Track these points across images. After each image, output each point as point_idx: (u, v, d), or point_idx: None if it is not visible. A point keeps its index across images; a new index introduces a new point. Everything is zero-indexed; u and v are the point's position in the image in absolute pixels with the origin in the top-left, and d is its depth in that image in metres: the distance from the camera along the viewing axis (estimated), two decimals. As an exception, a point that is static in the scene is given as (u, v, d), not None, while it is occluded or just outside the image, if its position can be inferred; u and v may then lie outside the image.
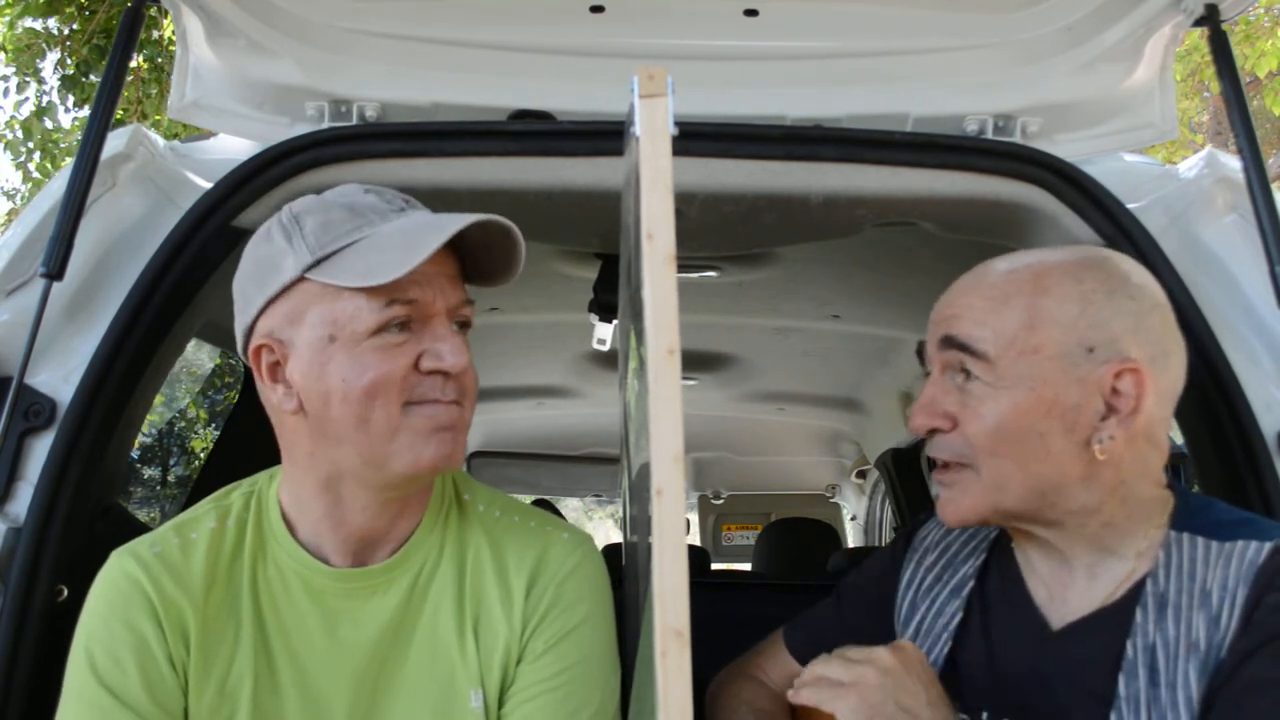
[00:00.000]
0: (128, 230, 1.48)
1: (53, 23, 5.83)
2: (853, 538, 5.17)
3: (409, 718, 1.11)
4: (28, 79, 6.16)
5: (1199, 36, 2.04)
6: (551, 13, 1.59)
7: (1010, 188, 1.53)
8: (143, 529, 1.28)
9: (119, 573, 1.09)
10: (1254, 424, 1.35)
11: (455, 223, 1.01)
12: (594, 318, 2.35)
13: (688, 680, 0.69)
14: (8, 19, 5.84)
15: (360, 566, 1.12)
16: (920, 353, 1.17)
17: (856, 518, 5.10)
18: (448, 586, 1.14)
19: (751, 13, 1.57)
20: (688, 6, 1.58)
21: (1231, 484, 1.37)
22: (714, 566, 4.36)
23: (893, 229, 1.68)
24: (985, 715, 1.11)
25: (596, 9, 1.55)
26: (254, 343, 1.07)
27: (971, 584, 1.20)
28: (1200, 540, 1.04)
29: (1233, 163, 1.48)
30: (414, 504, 1.14)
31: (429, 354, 1.04)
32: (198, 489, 2.28)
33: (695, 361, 3.44)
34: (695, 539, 5.90)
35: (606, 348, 2.57)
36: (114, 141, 1.46)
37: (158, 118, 6.03)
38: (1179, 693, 0.98)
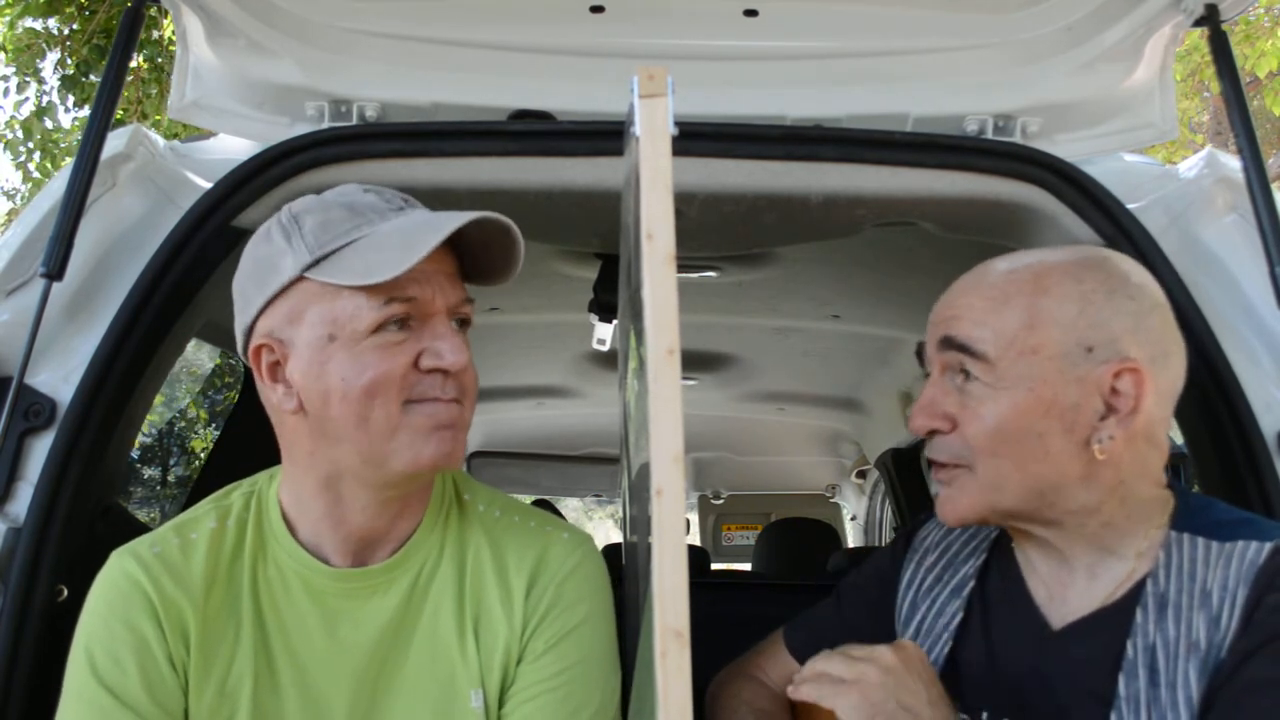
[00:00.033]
0: (128, 230, 1.48)
1: (53, 23, 5.83)
2: (853, 538, 5.17)
3: (409, 718, 1.11)
4: (28, 79, 6.16)
5: (1199, 36, 2.04)
6: (551, 13, 1.59)
7: (1010, 188, 1.53)
8: (143, 529, 1.28)
9: (119, 573, 1.09)
10: (1254, 424, 1.35)
11: (453, 221, 1.01)
12: (594, 318, 2.35)
13: (687, 680, 0.69)
14: (8, 19, 5.84)
15: (360, 566, 1.12)
16: (920, 354, 1.17)
17: (856, 518, 5.10)
18: (448, 586, 1.14)
19: (751, 13, 1.57)
20: (688, 6, 1.58)
21: (1231, 484, 1.37)
22: (714, 566, 4.36)
23: (893, 229, 1.68)
24: (985, 715, 1.11)
25: (596, 9, 1.55)
26: (254, 342, 1.07)
27: (972, 584, 1.20)
28: (1200, 540, 1.04)
29: (1233, 163, 1.48)
30: (414, 504, 1.14)
31: (429, 352, 1.04)
32: (198, 489, 2.28)
33: (695, 361, 3.44)
34: (695, 539, 5.90)
35: (606, 348, 2.57)
36: (114, 141, 1.46)
37: (158, 118, 6.03)
38: (1179, 693, 0.98)
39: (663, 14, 1.59)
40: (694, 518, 5.99)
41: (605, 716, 1.13)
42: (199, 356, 3.71)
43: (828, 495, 5.33)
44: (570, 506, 9.42)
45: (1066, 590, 1.11)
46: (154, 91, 6.01)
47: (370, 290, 1.01)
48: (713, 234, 1.70)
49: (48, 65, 6.13)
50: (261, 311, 1.05)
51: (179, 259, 1.44)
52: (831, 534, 3.78)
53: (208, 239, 1.46)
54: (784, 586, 2.79)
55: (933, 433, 1.10)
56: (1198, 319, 1.40)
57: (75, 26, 5.69)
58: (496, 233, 1.06)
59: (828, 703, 1.01)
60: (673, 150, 0.76)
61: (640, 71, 0.78)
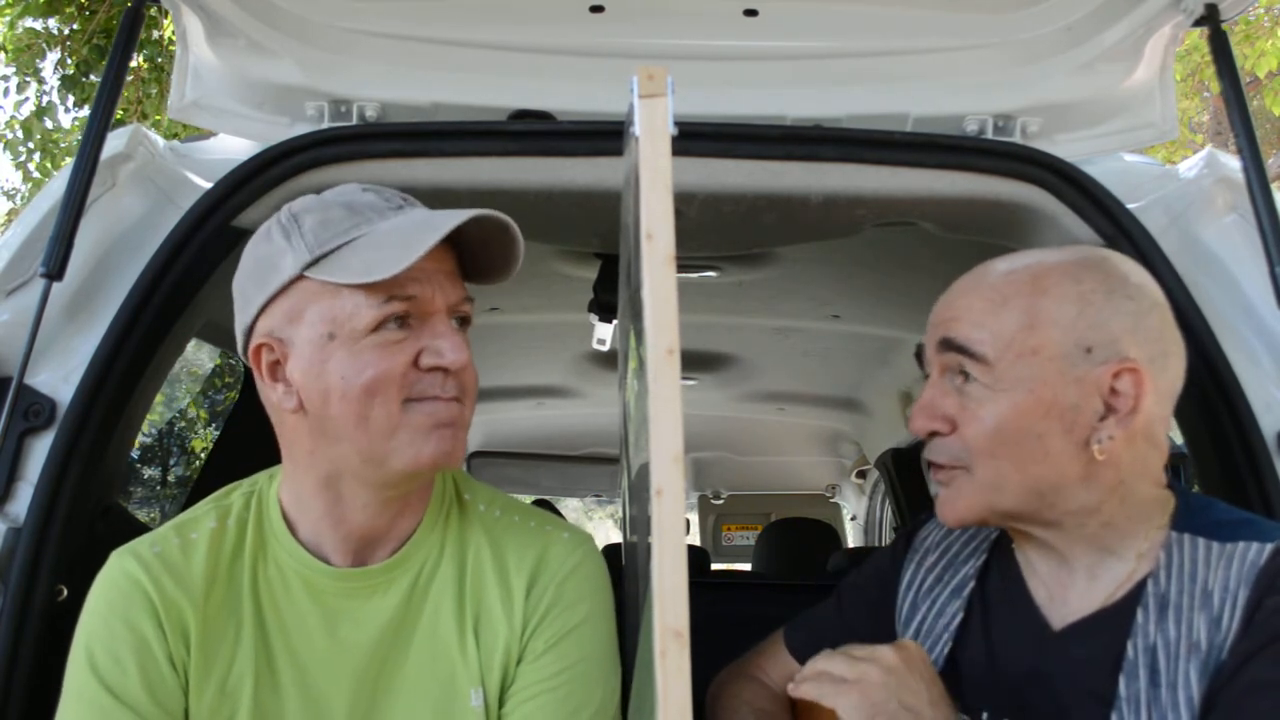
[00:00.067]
0: (128, 230, 1.48)
1: (53, 23, 5.83)
2: (853, 538, 5.17)
3: (409, 717, 1.11)
4: (28, 79, 6.16)
5: (1199, 36, 2.04)
6: (551, 13, 1.59)
7: (1010, 188, 1.53)
8: (143, 529, 1.28)
9: (119, 572, 1.09)
10: (1254, 424, 1.35)
11: (452, 219, 1.01)
12: (594, 318, 2.35)
13: (687, 680, 0.69)
14: (8, 19, 5.84)
15: (360, 566, 1.12)
16: (919, 355, 1.17)
17: (856, 518, 5.10)
18: (448, 586, 1.14)
19: (751, 13, 1.57)
20: (688, 6, 1.58)
21: (1231, 484, 1.37)
22: (714, 566, 4.36)
23: (893, 229, 1.68)
24: (986, 715, 1.11)
25: (596, 9, 1.55)
26: (254, 342, 1.07)
27: (972, 584, 1.20)
28: (1201, 541, 1.04)
29: (1233, 163, 1.48)
30: (414, 503, 1.15)
31: (428, 351, 1.04)
32: (198, 489, 2.28)
33: (695, 361, 3.44)
34: (695, 539, 5.90)
35: (606, 348, 2.58)
36: (114, 141, 1.46)
37: (158, 118, 6.03)
38: (1180, 693, 0.98)
39: (663, 14, 1.59)
40: (694, 518, 5.99)
41: (605, 716, 1.13)
42: (199, 356, 3.72)
43: (828, 495, 5.33)
44: (570, 506, 9.41)
45: (1067, 591, 1.11)
46: (154, 91, 6.01)
47: (370, 289, 1.01)
48: (713, 234, 1.70)
49: (48, 65, 6.14)
50: (261, 311, 1.05)
51: (179, 259, 1.44)
52: (831, 534, 3.78)
53: (208, 239, 1.46)
54: (784, 586, 2.79)
55: (932, 434, 1.10)
56: (1198, 319, 1.40)
57: (75, 26, 5.69)
58: (495, 231, 1.06)
59: (829, 702, 1.01)
60: (673, 150, 0.76)
61: (640, 71, 0.78)
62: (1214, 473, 1.40)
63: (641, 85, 0.78)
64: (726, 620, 1.50)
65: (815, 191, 1.52)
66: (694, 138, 1.46)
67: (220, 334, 2.07)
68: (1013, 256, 1.12)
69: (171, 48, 5.42)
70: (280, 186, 1.48)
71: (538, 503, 4.01)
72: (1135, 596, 1.05)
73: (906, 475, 3.79)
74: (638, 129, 0.77)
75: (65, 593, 1.31)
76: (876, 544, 4.56)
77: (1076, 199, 1.50)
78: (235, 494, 1.17)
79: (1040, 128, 1.60)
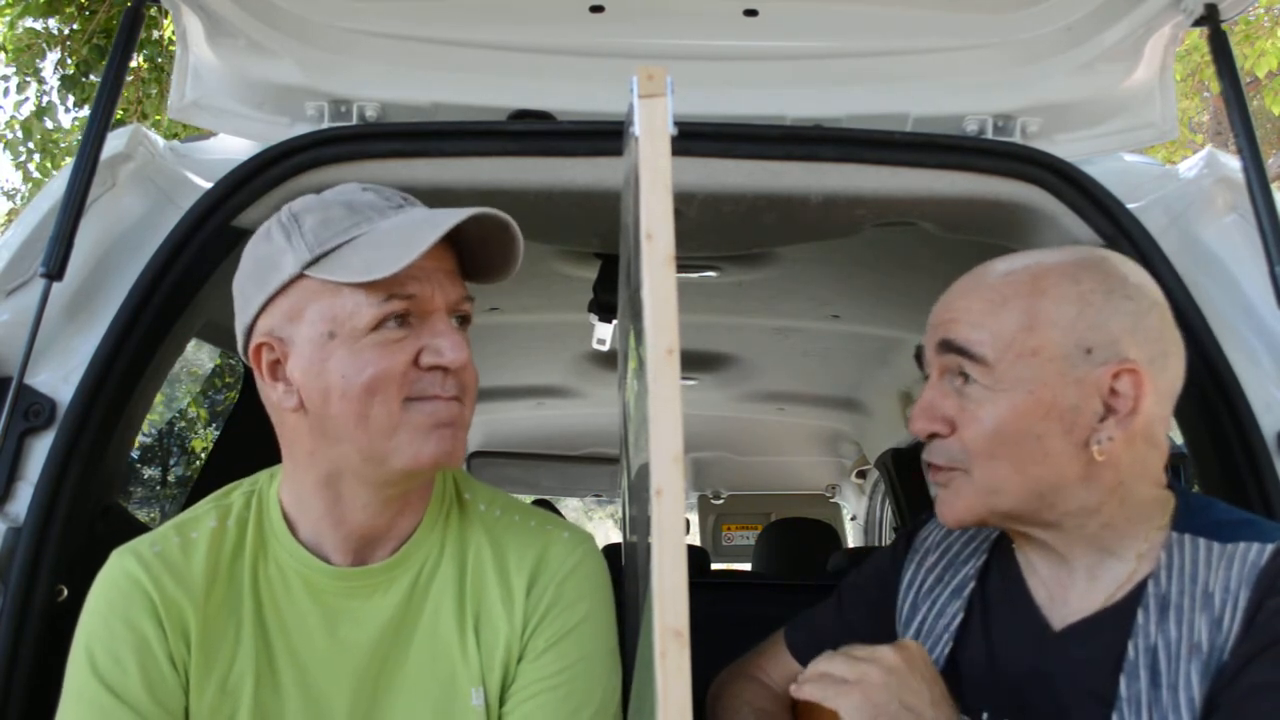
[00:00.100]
0: (128, 230, 1.48)
1: (53, 23, 5.83)
2: (853, 538, 5.17)
3: (410, 716, 1.11)
4: (28, 79, 6.16)
5: (1199, 36, 2.04)
6: (551, 13, 1.59)
7: (1010, 188, 1.53)
8: (143, 529, 1.28)
9: (119, 572, 1.09)
10: (1254, 424, 1.35)
11: (453, 217, 1.02)
12: (594, 318, 2.35)
13: (687, 680, 0.69)
14: (8, 19, 5.84)
15: (361, 565, 1.12)
16: (918, 356, 1.17)
17: (856, 518, 5.09)
18: (448, 585, 1.14)
19: (751, 13, 1.57)
20: (688, 6, 1.58)
21: (1231, 484, 1.37)
22: (714, 566, 4.36)
23: (893, 229, 1.68)
24: (986, 715, 1.11)
25: (596, 9, 1.55)
26: (254, 341, 1.07)
27: (972, 584, 1.20)
28: (1202, 541, 1.04)
29: (1233, 163, 1.48)
30: (414, 502, 1.15)
31: (429, 349, 1.04)
32: (198, 489, 2.28)
33: (695, 361, 3.44)
34: (695, 539, 5.90)
35: (606, 348, 2.57)
36: (114, 141, 1.46)
37: (158, 118, 6.03)
38: (1180, 694, 0.98)
39: (663, 14, 1.59)
40: (694, 518, 5.99)
41: (606, 715, 1.13)
42: (199, 356, 3.72)
43: (828, 495, 5.33)
44: (570, 506, 9.41)
45: (1067, 591, 1.11)
46: (154, 91, 6.01)
47: (370, 287, 1.01)
48: (712, 234, 1.70)
49: (48, 65, 6.14)
50: (262, 310, 1.06)
51: (179, 259, 1.44)
52: (831, 534, 3.78)
53: (208, 239, 1.46)
54: (784, 586, 2.79)
55: (932, 436, 1.10)
56: (1198, 319, 1.40)
57: (75, 26, 5.69)
58: (495, 229, 1.06)
59: (830, 703, 1.01)
60: (672, 150, 0.76)
61: (640, 71, 0.78)
62: (1214, 473, 1.40)
63: (641, 85, 0.78)
64: (726, 620, 1.50)
65: (815, 191, 1.52)
66: (694, 138, 1.46)
67: (220, 334, 2.07)
68: (1012, 257, 1.12)
69: (171, 48, 5.42)
70: (280, 186, 1.48)
71: (538, 503, 4.01)
72: (1136, 597, 1.05)
73: (906, 475, 3.79)
74: (638, 129, 0.77)
75: (65, 593, 1.31)
76: (876, 544, 4.56)
77: (1076, 199, 1.50)
78: (235, 493, 1.17)
79: (1040, 128, 1.60)
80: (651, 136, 0.76)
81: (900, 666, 1.01)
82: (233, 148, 1.67)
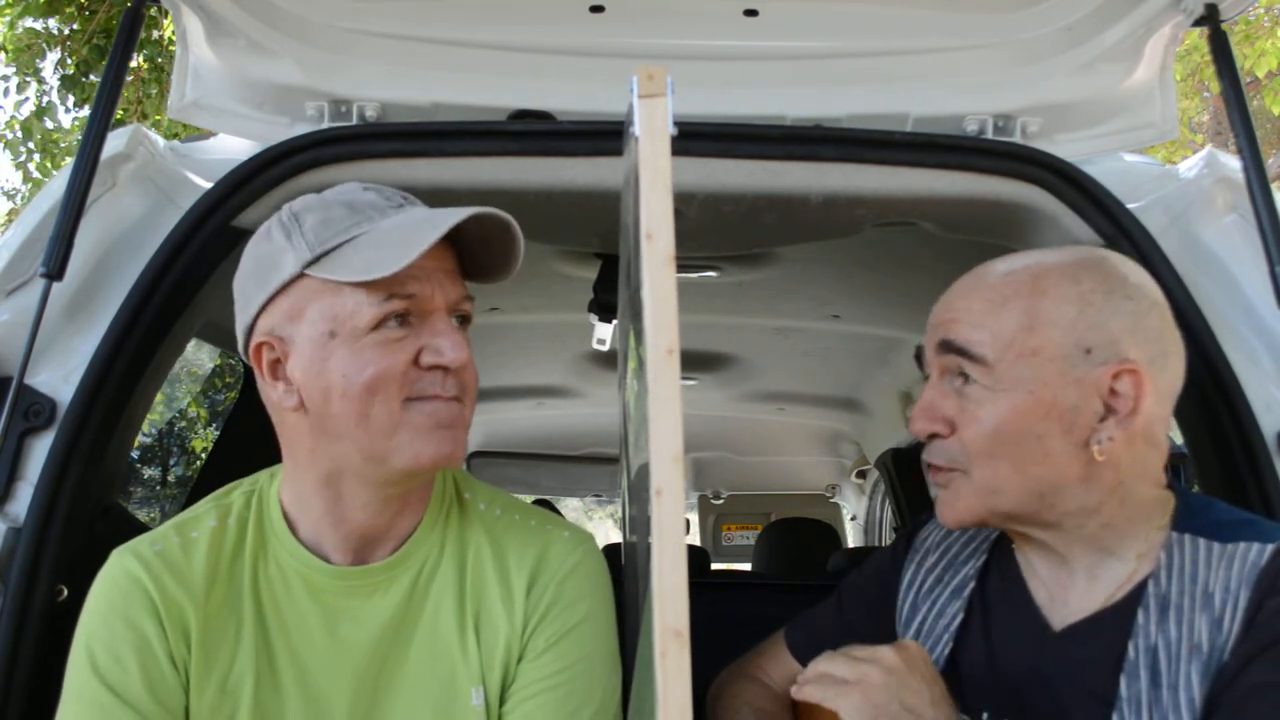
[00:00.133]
0: (128, 230, 1.48)
1: (53, 23, 5.83)
2: (853, 538, 5.17)
3: (410, 716, 1.11)
4: (28, 79, 6.16)
5: (1199, 36, 2.04)
6: (551, 13, 1.59)
7: (1010, 188, 1.53)
8: (143, 529, 1.28)
9: (120, 571, 1.09)
10: (1254, 424, 1.35)
11: (453, 216, 1.02)
12: (594, 318, 2.35)
13: (687, 680, 0.69)
14: (8, 19, 5.84)
15: (361, 565, 1.12)
16: (919, 357, 1.17)
17: (856, 518, 5.09)
18: (449, 585, 1.14)
19: (751, 13, 1.57)
20: (688, 6, 1.58)
21: (1231, 484, 1.37)
22: (714, 566, 4.36)
23: (893, 229, 1.68)
24: (986, 716, 1.11)
25: (596, 9, 1.55)
26: (254, 341, 1.07)
27: (972, 585, 1.20)
28: (1202, 541, 1.04)
29: (1233, 163, 1.48)
30: (415, 502, 1.15)
31: (429, 349, 1.04)
32: (198, 489, 2.28)
33: (695, 361, 3.44)
34: (695, 539, 5.90)
35: (606, 348, 2.57)
36: (114, 141, 1.46)
37: (158, 118, 6.03)
38: (1180, 694, 0.98)
39: (663, 14, 1.59)
40: (694, 518, 5.99)
41: (606, 715, 1.13)
42: (199, 356, 3.72)
43: (828, 495, 5.33)
44: (570, 506, 9.41)
45: (1067, 592, 1.11)
46: (154, 91, 6.01)
47: (370, 287, 1.01)
48: (713, 234, 1.70)
49: (48, 65, 6.14)
50: (262, 309, 1.06)
51: (179, 259, 1.44)
52: (831, 534, 3.78)
53: (208, 239, 1.46)
54: (784, 586, 2.79)
55: (932, 436, 1.10)
56: (1198, 319, 1.40)
57: (75, 26, 5.69)
58: (496, 229, 1.06)
59: (830, 704, 1.01)
60: (672, 150, 0.76)
61: (640, 71, 0.78)
62: (1214, 473, 1.40)
63: (641, 85, 0.78)
64: (726, 620, 1.50)
65: (815, 191, 1.52)
66: (694, 138, 1.46)
67: (220, 334, 2.07)
68: (1012, 257, 1.12)
69: (171, 48, 5.42)
70: (280, 186, 1.48)
71: (538, 503, 4.01)
72: (1136, 597, 1.05)
73: (906, 475, 3.79)
74: (638, 129, 0.77)
75: (65, 593, 1.31)
76: (876, 544, 4.56)
77: (1076, 199, 1.50)
78: (235, 493, 1.17)
79: (1040, 128, 1.60)
80: (651, 136, 0.76)
81: (900, 667, 1.01)
82: (233, 148, 1.67)
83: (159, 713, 1.05)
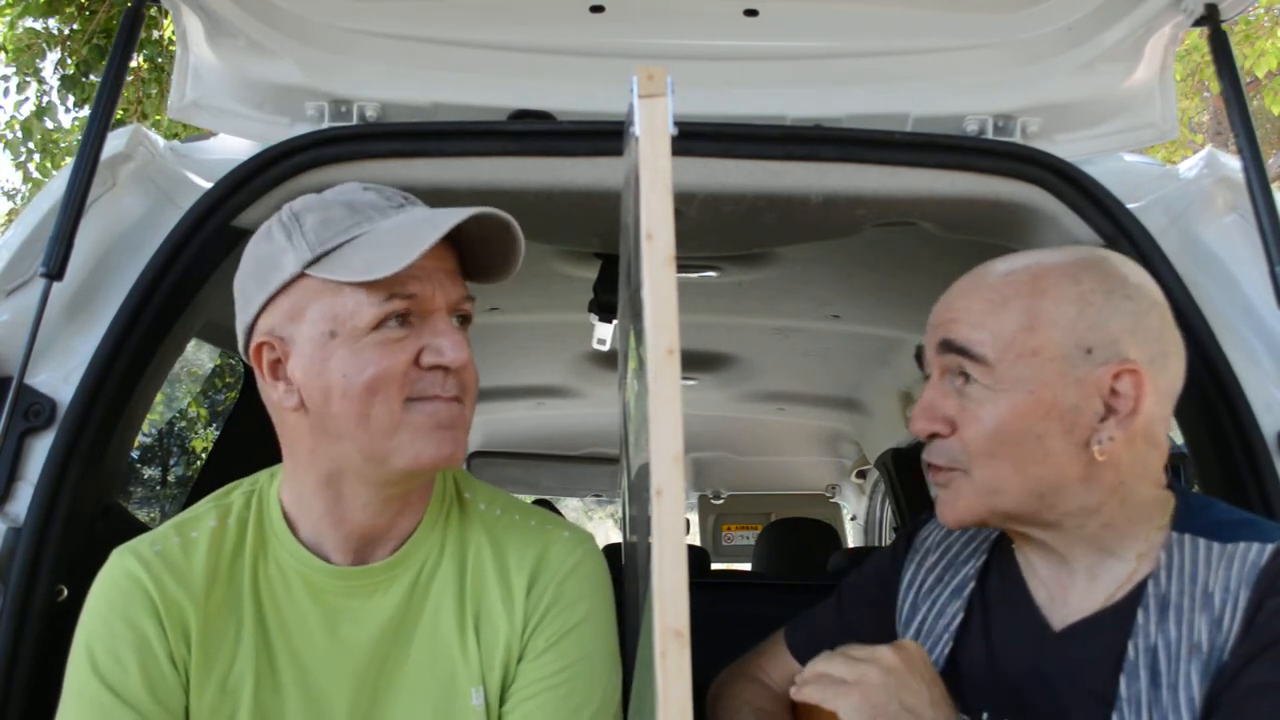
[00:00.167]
0: (128, 230, 1.48)
1: (53, 23, 5.83)
2: (853, 538, 5.17)
3: (410, 716, 1.11)
4: (28, 79, 6.16)
5: (1199, 36, 2.04)
6: (551, 13, 1.59)
7: (1010, 188, 1.53)
8: (143, 529, 1.28)
9: (120, 571, 1.09)
10: (1254, 424, 1.35)
11: (454, 216, 1.02)
12: (594, 318, 2.35)
13: (688, 680, 0.69)
14: (8, 19, 5.84)
15: (361, 565, 1.12)
16: (919, 356, 1.17)
17: (856, 518, 5.10)
18: (449, 585, 1.14)
19: (751, 13, 1.57)
20: (688, 6, 1.58)
21: (1231, 484, 1.37)
22: (714, 566, 4.36)
23: (893, 229, 1.68)
24: (986, 715, 1.11)
25: (596, 9, 1.55)
26: (255, 341, 1.07)
27: (972, 584, 1.20)
28: (1202, 541, 1.04)
29: (1233, 163, 1.48)
30: (415, 502, 1.15)
31: (429, 349, 1.04)
32: (198, 489, 2.28)
33: (695, 361, 3.44)
34: (695, 539, 5.90)
35: (606, 348, 2.58)
36: (114, 141, 1.46)
37: (158, 118, 6.03)
38: (1180, 694, 0.98)
39: (663, 14, 1.59)
40: (694, 518, 5.99)
41: (606, 715, 1.13)
42: (199, 356, 3.72)
43: (828, 495, 5.33)
44: (570, 506, 9.41)
45: (1067, 592, 1.11)
46: (154, 91, 6.01)
47: (371, 287, 1.01)
48: (713, 234, 1.70)
49: (48, 65, 6.13)
50: (262, 309, 1.06)
51: (179, 259, 1.45)
52: (831, 534, 3.78)
53: (208, 239, 1.46)
54: (784, 586, 2.79)
55: (932, 436, 1.10)
56: (1198, 319, 1.40)
57: (75, 26, 5.69)
58: (496, 229, 1.06)
59: (830, 704, 1.01)
60: (672, 150, 0.76)
61: (640, 71, 0.78)
62: (1214, 473, 1.40)
63: (641, 85, 0.78)
64: (726, 620, 1.50)
65: (815, 191, 1.52)
66: (694, 138, 1.46)
67: (220, 334, 2.07)
68: (1012, 257, 1.12)
69: (171, 48, 5.42)
70: (280, 186, 1.48)
71: (538, 503, 4.01)
72: (1136, 597, 1.05)
73: (906, 475, 3.79)
74: (638, 129, 0.77)
75: (65, 593, 1.31)
76: (876, 544, 4.56)
77: (1076, 199, 1.50)
78: (236, 493, 1.17)
79: (1040, 128, 1.60)
80: (652, 136, 0.76)
81: (899, 667, 1.01)
82: (233, 148, 1.67)
83: (159, 713, 1.05)
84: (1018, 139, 1.59)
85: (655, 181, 0.75)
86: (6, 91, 6.22)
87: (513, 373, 3.63)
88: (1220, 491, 1.37)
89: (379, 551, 1.13)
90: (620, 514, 1.45)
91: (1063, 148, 1.59)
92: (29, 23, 5.86)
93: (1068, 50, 1.58)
